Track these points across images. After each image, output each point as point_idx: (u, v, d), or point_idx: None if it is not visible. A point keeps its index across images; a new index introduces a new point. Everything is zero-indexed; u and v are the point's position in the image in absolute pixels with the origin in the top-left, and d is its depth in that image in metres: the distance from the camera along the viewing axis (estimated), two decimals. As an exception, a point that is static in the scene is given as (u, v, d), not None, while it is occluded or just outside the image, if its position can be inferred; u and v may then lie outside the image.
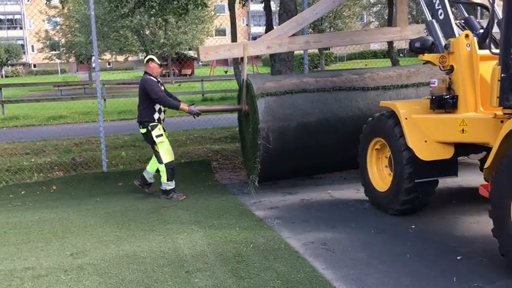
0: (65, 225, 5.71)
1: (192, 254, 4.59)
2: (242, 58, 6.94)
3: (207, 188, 7.22)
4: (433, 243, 4.67)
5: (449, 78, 4.89)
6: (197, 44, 31.48)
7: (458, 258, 4.28)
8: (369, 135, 5.72)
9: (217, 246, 4.76)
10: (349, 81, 6.62)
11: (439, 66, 4.99)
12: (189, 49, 36.14)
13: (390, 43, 10.55)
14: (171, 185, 6.71)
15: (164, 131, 6.79)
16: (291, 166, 6.59)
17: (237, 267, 4.25)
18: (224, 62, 37.74)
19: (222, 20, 31.28)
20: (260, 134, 6.20)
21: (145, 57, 8.62)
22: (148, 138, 6.70)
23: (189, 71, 44.63)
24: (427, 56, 5.05)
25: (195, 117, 7.05)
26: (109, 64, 53.07)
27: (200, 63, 47.95)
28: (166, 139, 6.75)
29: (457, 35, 4.93)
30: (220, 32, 41.95)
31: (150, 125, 6.61)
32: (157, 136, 6.60)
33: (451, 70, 4.88)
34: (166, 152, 6.67)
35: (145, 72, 6.80)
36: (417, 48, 5.08)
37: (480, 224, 5.11)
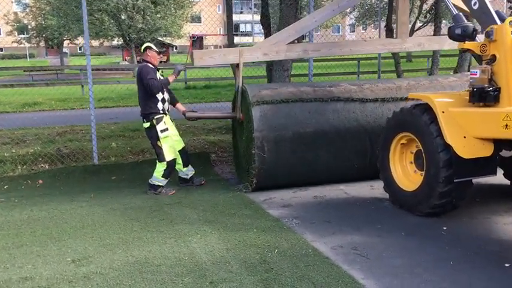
0: (60, 225, 5.15)
1: (211, 261, 4.11)
2: (238, 64, 6.50)
3: (209, 183, 6.70)
4: (472, 247, 4.30)
5: (491, 69, 4.50)
6: (176, 30, 30.50)
7: (506, 265, 3.93)
8: (394, 129, 5.29)
9: (238, 251, 4.29)
10: (347, 92, 6.48)
11: (478, 56, 4.60)
12: (165, 35, 35.08)
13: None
14: (162, 183, 6.21)
15: (172, 121, 6.28)
16: (288, 177, 6.27)
17: (266, 277, 3.80)
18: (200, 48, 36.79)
19: (201, 7, 30.44)
20: (255, 143, 5.96)
21: (128, 43, 7.95)
22: (151, 133, 6.14)
23: (164, 58, 43.62)
24: (467, 44, 4.64)
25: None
26: (80, 49, 51.40)
27: (175, 50, 46.98)
28: (172, 133, 6.25)
29: (498, 23, 4.55)
30: (196, 19, 40.92)
31: (156, 117, 6.06)
32: (162, 131, 6.07)
33: (492, 60, 4.48)
34: (169, 149, 6.15)
35: (144, 60, 6.25)
36: (458, 36, 4.65)
37: (514, 225, 4.82)
